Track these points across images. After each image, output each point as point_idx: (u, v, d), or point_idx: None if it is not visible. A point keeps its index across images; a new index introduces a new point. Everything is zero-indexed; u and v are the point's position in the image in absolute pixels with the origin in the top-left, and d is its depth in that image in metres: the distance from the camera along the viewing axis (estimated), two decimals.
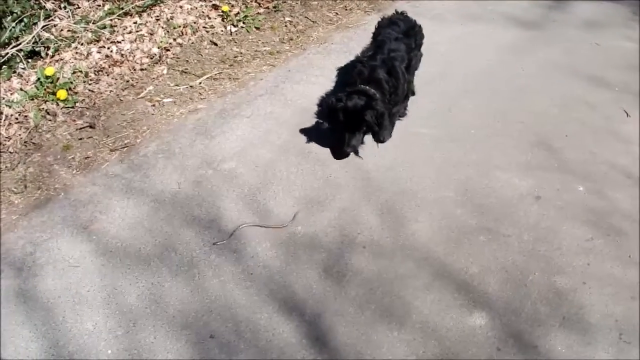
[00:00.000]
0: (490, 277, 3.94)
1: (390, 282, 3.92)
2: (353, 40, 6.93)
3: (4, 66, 5.87)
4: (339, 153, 5.06)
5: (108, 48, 6.33)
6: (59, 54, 6.16)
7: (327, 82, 6.14)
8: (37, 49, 6.10)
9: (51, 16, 6.51)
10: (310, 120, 5.54)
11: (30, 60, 6.05)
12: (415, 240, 4.23)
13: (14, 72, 5.89)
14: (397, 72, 5.16)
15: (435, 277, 3.95)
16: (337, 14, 7.61)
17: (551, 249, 4.17)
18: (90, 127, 5.41)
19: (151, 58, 6.38)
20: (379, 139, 5.14)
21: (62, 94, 5.57)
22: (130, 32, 6.56)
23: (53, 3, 6.60)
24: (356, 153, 5.10)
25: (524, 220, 4.42)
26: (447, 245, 4.20)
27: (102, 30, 6.45)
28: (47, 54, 6.12)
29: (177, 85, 6.08)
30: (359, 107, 4.83)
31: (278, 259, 4.12)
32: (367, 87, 4.95)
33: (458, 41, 6.95)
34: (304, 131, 5.36)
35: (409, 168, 4.95)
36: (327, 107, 5.06)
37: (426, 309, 3.73)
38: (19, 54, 5.95)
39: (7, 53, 5.88)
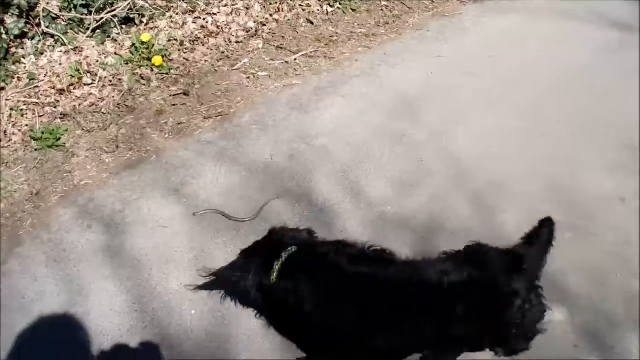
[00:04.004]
0: (572, 274, 3.88)
1: None
2: (448, 29, 6.81)
3: (98, 30, 5.91)
4: None
5: (203, 19, 6.32)
6: (153, 22, 6.18)
7: (423, 69, 6.03)
8: (131, 16, 6.13)
9: None
10: (405, 106, 5.45)
11: (124, 26, 6.09)
12: (502, 231, 4.13)
13: (108, 36, 5.93)
14: None
15: None
16: (433, 1, 7.45)
17: (634, 251, 4.07)
18: (185, 94, 5.41)
19: (247, 31, 6.34)
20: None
21: (157, 60, 5.59)
22: (226, 5, 6.53)
23: None
24: None
25: (610, 220, 4.34)
26: None
27: (198, 2, 6.45)
28: (141, 22, 6.14)
29: (272, 59, 6.04)
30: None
31: (366, 236, 3.99)
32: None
33: (549, 38, 6.77)
34: None
35: (500, 159, 4.88)
36: None
37: None
38: (114, 19, 5.99)
39: (102, 18, 5.92)
